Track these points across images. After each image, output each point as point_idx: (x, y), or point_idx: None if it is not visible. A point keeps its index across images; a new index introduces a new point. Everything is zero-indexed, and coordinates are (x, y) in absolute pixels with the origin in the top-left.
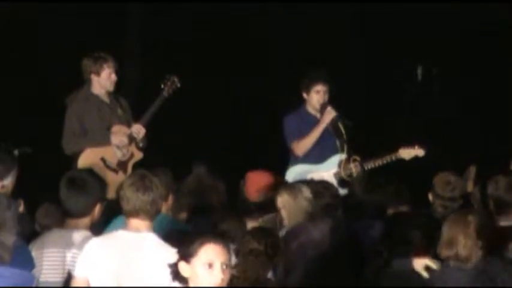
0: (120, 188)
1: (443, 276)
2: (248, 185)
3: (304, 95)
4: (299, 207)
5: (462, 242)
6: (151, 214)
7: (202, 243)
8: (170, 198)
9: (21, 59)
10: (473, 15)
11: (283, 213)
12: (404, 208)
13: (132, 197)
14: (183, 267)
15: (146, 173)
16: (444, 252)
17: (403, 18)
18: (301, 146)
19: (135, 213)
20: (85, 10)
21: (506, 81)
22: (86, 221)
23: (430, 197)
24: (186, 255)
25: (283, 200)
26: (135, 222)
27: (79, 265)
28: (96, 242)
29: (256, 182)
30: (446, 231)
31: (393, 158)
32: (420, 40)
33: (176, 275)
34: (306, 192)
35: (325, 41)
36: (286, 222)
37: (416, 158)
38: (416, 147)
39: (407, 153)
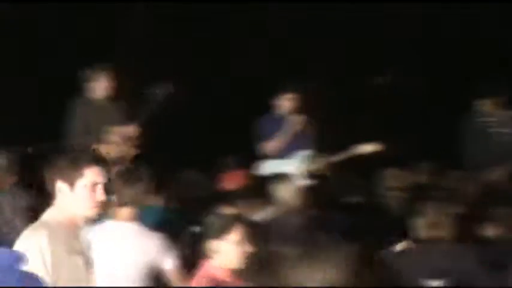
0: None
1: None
2: (227, 181)
3: (276, 100)
4: (289, 196)
5: (445, 224)
6: (137, 205)
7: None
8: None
9: (22, 60)
10: (433, 19)
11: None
12: (361, 199)
13: (120, 189)
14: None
15: (133, 167)
16: (428, 233)
17: (366, 21)
18: (271, 147)
19: (123, 204)
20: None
21: (459, 81)
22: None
23: (382, 189)
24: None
25: (275, 189)
26: (122, 212)
27: None
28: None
29: (234, 179)
30: (430, 215)
31: (355, 153)
32: (383, 44)
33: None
34: (293, 184)
35: (292, 42)
36: (274, 209)
37: (375, 153)
38: (375, 143)
39: (366, 149)
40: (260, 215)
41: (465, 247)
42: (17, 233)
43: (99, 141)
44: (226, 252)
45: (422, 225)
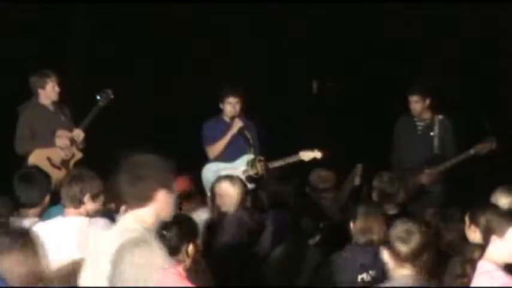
0: (60, 183)
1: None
2: None
3: (220, 105)
4: (236, 196)
5: (376, 229)
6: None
7: None
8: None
9: None
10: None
11: (222, 200)
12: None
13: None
14: None
15: (81, 170)
16: (361, 238)
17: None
18: (212, 150)
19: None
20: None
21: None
22: (36, 210)
23: (307, 189)
24: None
25: (225, 188)
26: (70, 210)
27: None
28: (41, 226)
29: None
30: (361, 221)
31: (294, 159)
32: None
33: None
34: (241, 183)
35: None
36: (224, 208)
37: (315, 160)
38: (315, 150)
39: (306, 155)
40: (200, 215)
41: None
42: None
43: (45, 145)
44: None
45: (356, 230)
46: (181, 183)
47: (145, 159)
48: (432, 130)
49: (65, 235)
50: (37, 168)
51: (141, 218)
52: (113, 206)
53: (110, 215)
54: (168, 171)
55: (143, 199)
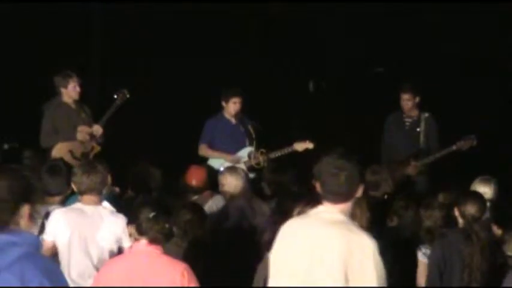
0: (73, 173)
1: None
2: (188, 175)
3: (223, 103)
4: (239, 185)
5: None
6: (99, 191)
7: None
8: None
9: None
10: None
11: (226, 189)
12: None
13: (79, 179)
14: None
15: (91, 160)
16: None
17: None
18: (204, 151)
19: (88, 191)
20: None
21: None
22: (60, 198)
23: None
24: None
25: (229, 179)
26: (87, 198)
27: (47, 231)
28: (59, 212)
29: (194, 174)
30: None
31: (290, 150)
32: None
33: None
34: (244, 174)
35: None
36: (228, 197)
37: (307, 150)
38: (307, 141)
39: (300, 146)
40: (209, 204)
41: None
42: None
43: (67, 139)
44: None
45: None
46: (198, 174)
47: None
48: (419, 126)
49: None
50: (62, 161)
51: (344, 211)
52: (116, 189)
53: (113, 198)
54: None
55: (350, 196)
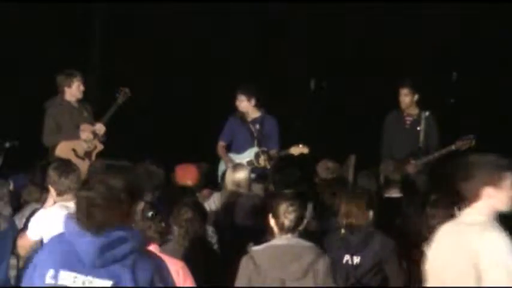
0: (49, 176)
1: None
2: (181, 176)
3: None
4: (244, 183)
5: (355, 213)
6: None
7: None
8: None
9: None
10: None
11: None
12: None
13: (57, 180)
14: None
15: (67, 161)
16: (343, 221)
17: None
18: (219, 149)
19: (68, 191)
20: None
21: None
22: (69, 196)
23: (316, 179)
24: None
25: (237, 176)
26: (68, 198)
27: (31, 230)
28: (44, 211)
29: (187, 173)
30: (344, 205)
31: (285, 153)
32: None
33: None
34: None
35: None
36: (234, 194)
37: (303, 154)
38: (300, 146)
39: (295, 150)
40: (208, 202)
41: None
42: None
43: (70, 138)
44: None
45: (340, 214)
46: (190, 173)
47: (475, 159)
48: (419, 125)
49: None
50: (69, 161)
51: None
52: None
53: None
54: (495, 169)
55: (472, 196)
